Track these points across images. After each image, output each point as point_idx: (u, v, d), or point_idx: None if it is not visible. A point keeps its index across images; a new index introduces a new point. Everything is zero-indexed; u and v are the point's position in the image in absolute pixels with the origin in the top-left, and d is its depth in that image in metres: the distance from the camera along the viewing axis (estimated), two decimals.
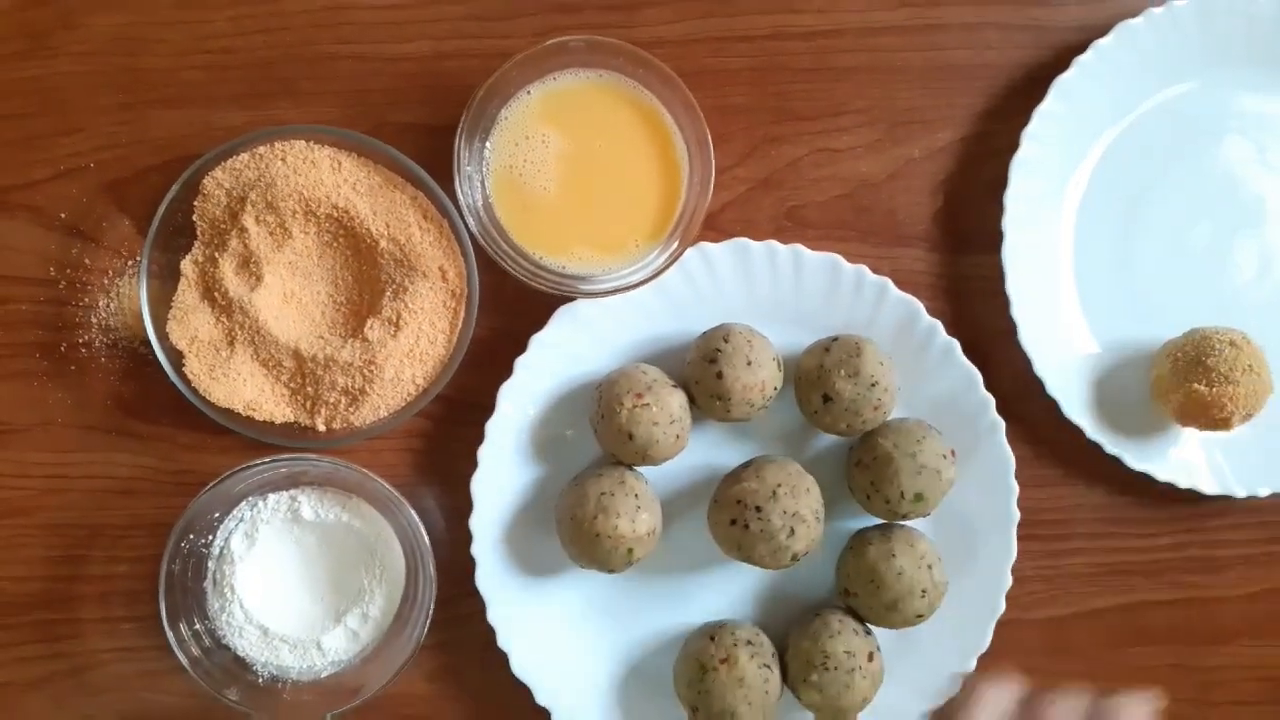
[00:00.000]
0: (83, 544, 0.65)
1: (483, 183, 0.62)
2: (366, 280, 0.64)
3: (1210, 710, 0.69)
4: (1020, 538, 0.64)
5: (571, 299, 0.63)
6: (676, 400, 0.61)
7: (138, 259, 0.63)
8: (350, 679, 0.61)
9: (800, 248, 0.64)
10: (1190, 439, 0.67)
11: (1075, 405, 0.65)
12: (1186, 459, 0.66)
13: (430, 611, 0.61)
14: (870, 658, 0.61)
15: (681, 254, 0.61)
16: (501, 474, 0.64)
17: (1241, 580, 0.68)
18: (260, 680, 0.62)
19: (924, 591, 0.60)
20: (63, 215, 0.64)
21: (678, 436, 0.61)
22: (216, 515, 0.62)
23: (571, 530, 0.60)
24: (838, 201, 0.67)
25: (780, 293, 0.64)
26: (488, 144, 0.62)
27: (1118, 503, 0.68)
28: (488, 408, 0.63)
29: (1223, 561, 0.68)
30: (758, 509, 0.59)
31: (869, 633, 0.62)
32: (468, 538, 0.63)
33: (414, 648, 0.61)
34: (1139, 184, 0.67)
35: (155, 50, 0.64)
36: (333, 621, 0.62)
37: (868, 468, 0.62)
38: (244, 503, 0.61)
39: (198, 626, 0.61)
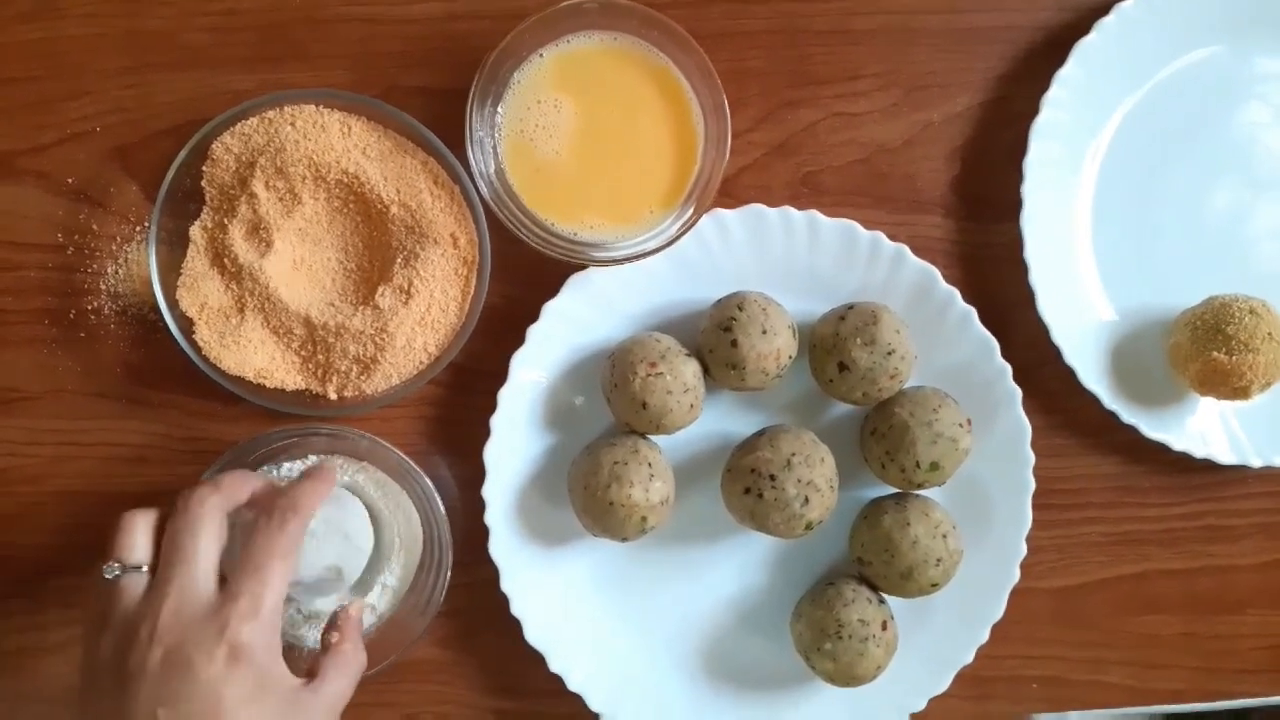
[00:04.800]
0: (96, 511, 0.64)
1: (495, 148, 0.61)
2: (377, 247, 0.63)
3: (1221, 678, 0.69)
4: (1034, 506, 0.64)
5: (584, 267, 0.62)
6: (690, 369, 0.60)
7: (146, 225, 0.63)
8: (366, 647, 0.61)
9: (816, 214, 0.63)
10: (1207, 408, 0.66)
11: (1092, 373, 0.65)
12: (1203, 428, 0.66)
13: (447, 581, 0.61)
14: (884, 626, 0.61)
15: (696, 221, 0.61)
16: (514, 442, 0.63)
17: (1256, 550, 0.68)
18: None
19: (939, 560, 0.60)
20: (70, 180, 0.64)
21: (691, 405, 0.60)
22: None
23: (585, 499, 0.60)
24: (854, 167, 0.66)
25: (795, 260, 0.64)
26: (500, 108, 0.61)
27: (1133, 471, 0.68)
28: (500, 376, 0.62)
29: (1237, 531, 0.68)
30: (772, 478, 0.59)
31: (883, 601, 0.62)
32: (480, 506, 0.62)
33: (429, 618, 0.61)
34: (1159, 150, 0.66)
35: (160, 13, 0.63)
36: (349, 594, 0.61)
37: (883, 436, 0.61)
38: (258, 471, 0.61)
39: None
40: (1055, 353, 0.64)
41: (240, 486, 0.55)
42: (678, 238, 0.61)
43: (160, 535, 0.53)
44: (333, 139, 0.61)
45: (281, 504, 0.54)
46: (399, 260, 0.62)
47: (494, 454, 0.62)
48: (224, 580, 0.52)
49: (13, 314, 0.64)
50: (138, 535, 0.53)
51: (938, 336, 0.64)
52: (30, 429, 0.64)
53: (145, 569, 0.52)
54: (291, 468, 0.61)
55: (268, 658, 0.51)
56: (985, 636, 0.64)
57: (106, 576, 0.51)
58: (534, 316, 0.62)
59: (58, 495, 0.65)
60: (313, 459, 0.62)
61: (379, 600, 0.62)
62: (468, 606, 0.65)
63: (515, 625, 0.63)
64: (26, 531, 0.65)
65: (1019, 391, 0.63)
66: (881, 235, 0.63)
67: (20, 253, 0.64)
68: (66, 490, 0.65)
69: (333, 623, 0.57)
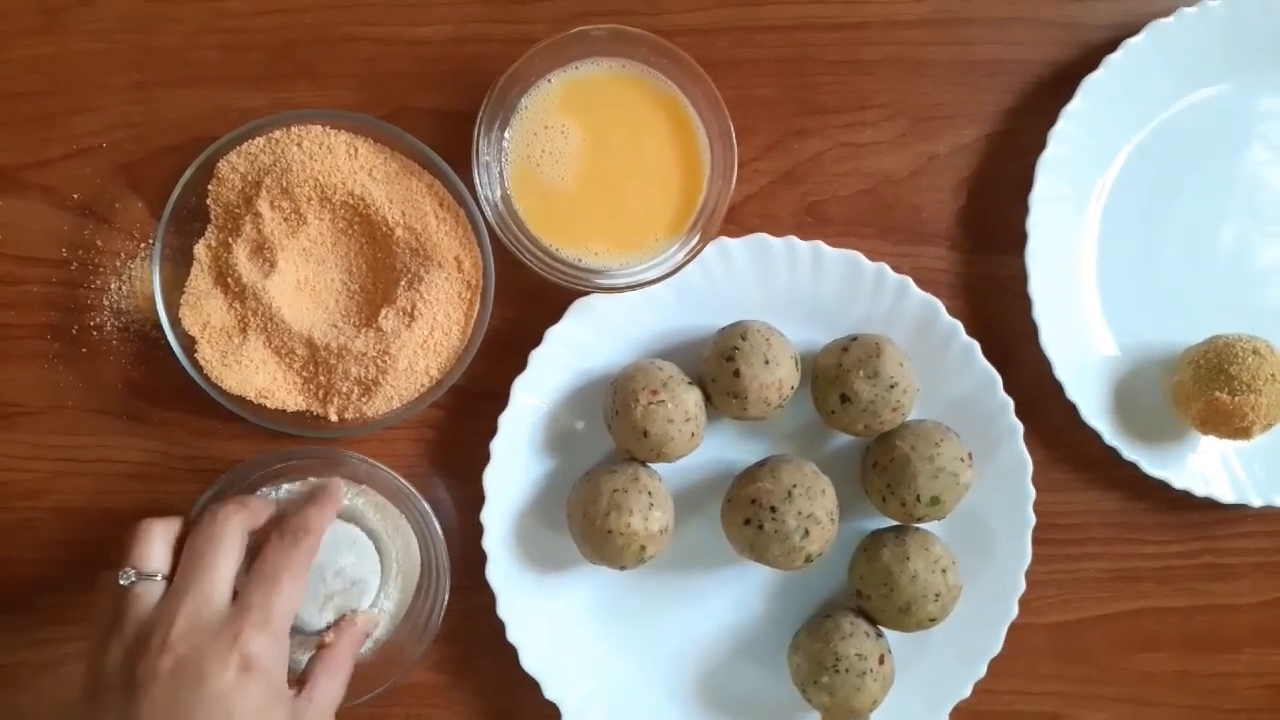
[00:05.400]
0: (94, 527, 0.64)
1: (501, 173, 0.61)
2: (381, 269, 0.63)
3: (1217, 716, 0.68)
4: (1034, 541, 0.64)
5: (588, 292, 0.62)
6: (692, 397, 0.60)
7: (150, 242, 0.63)
8: (361, 672, 0.61)
9: (821, 244, 0.63)
10: (1208, 447, 0.66)
11: (1094, 409, 0.65)
12: (1204, 467, 0.66)
13: (444, 607, 0.61)
14: (881, 660, 0.61)
15: (701, 250, 0.61)
16: (514, 467, 0.63)
17: (1253, 589, 0.68)
18: None
19: (938, 595, 0.60)
20: (75, 196, 0.64)
21: (693, 434, 0.60)
22: None
23: (583, 526, 0.60)
24: (860, 197, 0.66)
25: (799, 290, 0.64)
26: (507, 133, 0.61)
27: (1133, 508, 0.67)
28: (501, 400, 0.62)
29: (1236, 570, 0.68)
30: (772, 509, 0.59)
31: (880, 635, 0.62)
32: (478, 530, 0.62)
33: (426, 644, 0.61)
34: (1165, 187, 0.66)
35: (170, 29, 0.63)
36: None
37: (884, 469, 0.61)
38: (257, 494, 0.61)
39: None
40: (1057, 388, 0.64)
41: (262, 510, 0.57)
42: (682, 266, 0.61)
43: (178, 546, 0.54)
44: (339, 160, 0.61)
45: (294, 523, 0.55)
46: (403, 282, 0.62)
47: (493, 478, 0.62)
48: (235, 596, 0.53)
49: (15, 328, 0.64)
50: (155, 544, 0.53)
51: (940, 369, 0.64)
52: (30, 444, 0.64)
53: (160, 578, 0.53)
54: (291, 489, 0.61)
55: (277, 669, 0.52)
56: (983, 671, 0.64)
57: (121, 583, 0.52)
58: (536, 341, 0.62)
59: (56, 511, 0.64)
60: (314, 481, 0.62)
61: (376, 626, 0.61)
62: (464, 631, 0.65)
63: (511, 651, 0.62)
64: (24, 546, 0.64)
65: (1020, 426, 0.63)
66: (886, 267, 0.63)
67: (24, 267, 0.64)
68: (65, 506, 0.64)
69: (334, 625, 0.58)
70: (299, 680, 0.54)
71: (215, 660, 0.49)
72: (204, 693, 0.49)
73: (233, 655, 0.50)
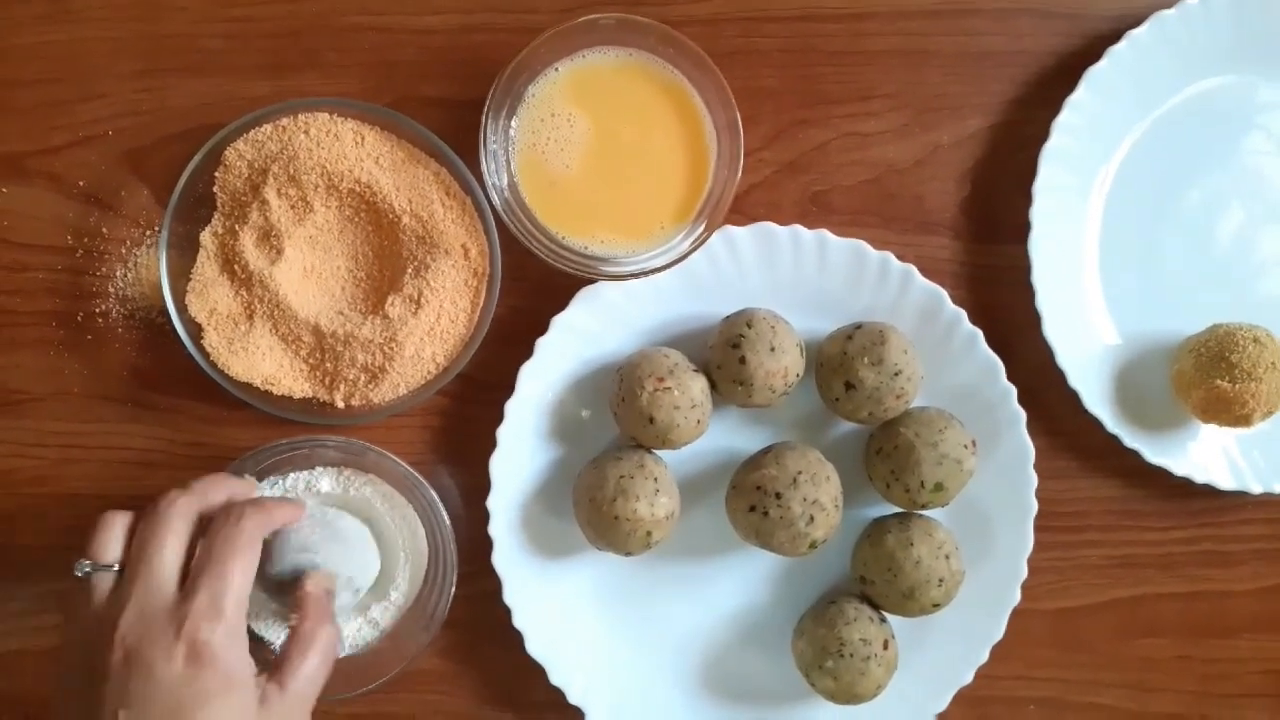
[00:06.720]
0: (99, 515, 0.63)
1: (508, 161, 0.61)
2: (388, 256, 0.63)
3: (1217, 702, 0.69)
4: (1035, 528, 0.64)
5: (594, 280, 0.62)
6: (698, 385, 0.60)
7: (156, 229, 0.63)
8: (368, 661, 0.61)
9: (825, 233, 0.63)
10: (1209, 434, 0.67)
11: (1095, 397, 0.65)
12: (1204, 454, 0.66)
13: (451, 595, 0.61)
14: (885, 645, 0.61)
15: (707, 239, 0.61)
16: (520, 454, 0.63)
17: (1253, 575, 0.69)
18: None
19: (941, 581, 0.61)
20: (81, 183, 0.64)
21: (699, 421, 0.61)
22: None
23: (590, 512, 0.60)
24: (864, 187, 0.66)
25: (804, 278, 0.64)
26: (514, 121, 0.61)
27: (1133, 495, 0.68)
28: (508, 387, 0.62)
29: (1235, 556, 0.69)
30: (777, 496, 0.59)
31: (884, 620, 0.62)
32: (484, 517, 0.62)
33: (433, 632, 0.61)
34: (1167, 177, 0.67)
35: (177, 17, 0.63)
36: (355, 611, 0.61)
37: (888, 456, 0.61)
38: (264, 482, 0.61)
39: None
40: (1060, 376, 0.64)
41: (214, 489, 0.54)
42: (688, 254, 0.61)
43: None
44: (346, 148, 0.61)
45: (239, 503, 0.53)
46: (409, 270, 0.62)
47: (500, 465, 0.63)
48: None
49: (21, 315, 0.64)
50: (112, 534, 0.52)
51: (944, 357, 0.64)
52: (35, 431, 0.64)
53: (116, 568, 0.51)
54: (298, 478, 0.61)
55: (230, 655, 0.49)
56: (985, 657, 0.64)
57: (77, 574, 0.51)
58: (543, 329, 0.62)
59: (61, 498, 0.64)
60: (319, 470, 0.62)
61: (382, 615, 0.62)
62: (470, 618, 0.65)
63: (517, 637, 0.63)
64: (28, 533, 0.65)
65: (1023, 414, 0.64)
66: (890, 255, 0.63)
67: (29, 254, 0.64)
68: (70, 493, 0.64)
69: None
70: (274, 663, 0.52)
71: (160, 650, 0.48)
72: (153, 684, 0.48)
73: (178, 645, 0.48)
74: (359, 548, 0.59)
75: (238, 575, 0.50)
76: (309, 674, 0.52)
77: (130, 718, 0.47)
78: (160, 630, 0.48)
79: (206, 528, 0.52)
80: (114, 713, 0.48)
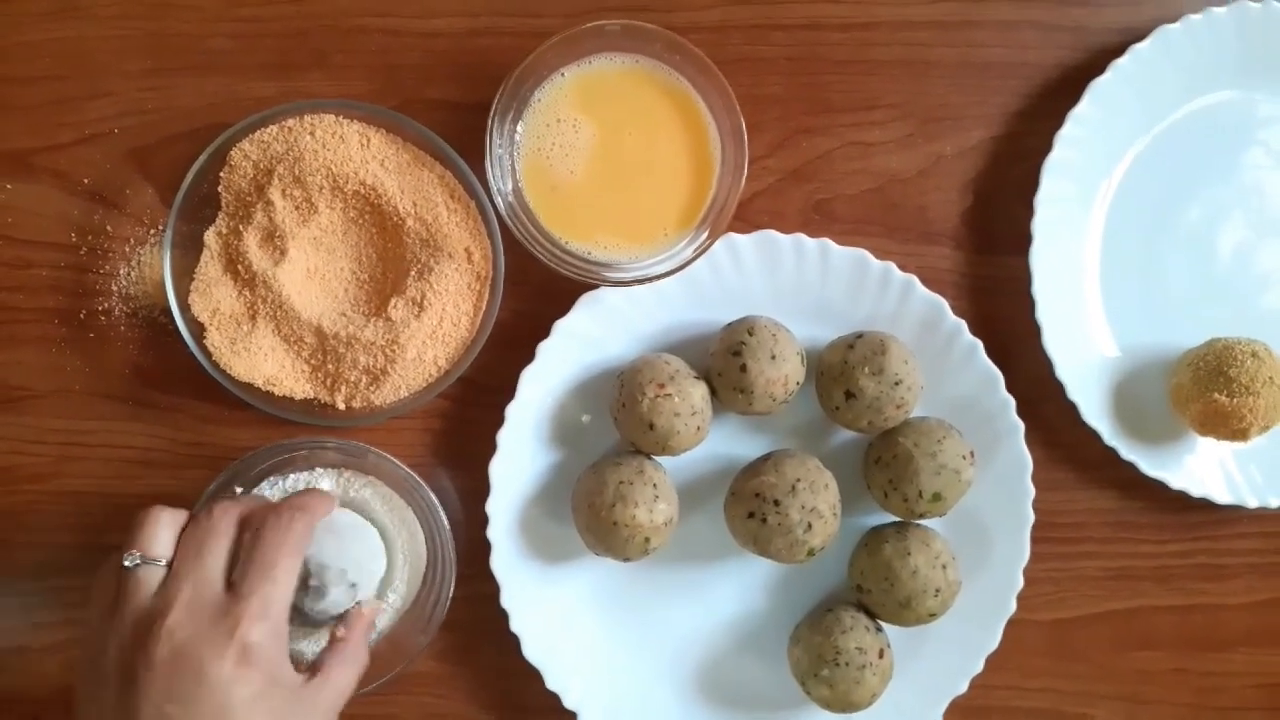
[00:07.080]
0: (98, 513, 0.64)
1: (513, 165, 0.61)
2: (391, 259, 0.63)
3: (1211, 715, 0.69)
4: (1032, 539, 0.64)
5: (596, 286, 0.62)
6: (699, 391, 0.61)
7: (160, 228, 0.63)
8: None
9: (828, 242, 0.63)
10: (1206, 448, 0.67)
11: (1094, 409, 0.65)
12: (1201, 468, 0.67)
13: (449, 598, 0.61)
14: (881, 654, 0.61)
15: (710, 246, 0.61)
16: (520, 458, 0.63)
17: (1247, 589, 0.69)
18: None
19: (937, 590, 0.61)
20: (86, 181, 0.64)
21: (699, 428, 0.61)
22: (239, 492, 0.62)
23: (588, 517, 0.60)
24: (867, 196, 0.66)
25: (806, 286, 0.64)
26: (519, 126, 0.61)
27: (1130, 508, 0.68)
28: (508, 391, 0.62)
29: (1230, 570, 0.69)
30: (776, 503, 0.59)
31: (880, 629, 0.63)
32: (483, 520, 0.63)
33: (430, 635, 0.61)
34: (1168, 191, 0.67)
35: (184, 17, 0.63)
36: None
37: (887, 465, 0.62)
38: (265, 482, 0.61)
39: None
40: (1059, 387, 0.65)
41: (255, 507, 0.56)
42: (691, 261, 0.61)
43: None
44: (351, 150, 0.61)
45: (289, 504, 0.55)
46: (412, 273, 0.62)
47: (499, 469, 0.63)
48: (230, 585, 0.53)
49: (23, 312, 0.64)
50: (163, 530, 0.53)
51: (944, 367, 0.64)
52: (36, 428, 0.64)
53: (164, 564, 0.52)
54: (298, 479, 0.61)
55: (276, 657, 0.52)
56: (980, 667, 0.65)
57: (126, 565, 0.52)
58: (544, 333, 0.63)
59: (61, 495, 0.65)
60: (320, 471, 0.62)
61: (381, 617, 0.62)
62: (467, 620, 0.65)
63: (514, 641, 0.63)
64: (29, 530, 0.65)
65: (1021, 425, 0.64)
66: (892, 265, 0.63)
67: (33, 251, 0.64)
68: (70, 490, 0.65)
69: (342, 618, 0.58)
70: (311, 668, 0.54)
71: (213, 650, 0.49)
72: (203, 682, 0.49)
73: (231, 645, 0.50)
74: (357, 545, 0.59)
75: (285, 578, 0.53)
76: (344, 685, 0.55)
77: (178, 713, 0.49)
78: (211, 628, 0.50)
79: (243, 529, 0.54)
80: (160, 708, 0.49)
